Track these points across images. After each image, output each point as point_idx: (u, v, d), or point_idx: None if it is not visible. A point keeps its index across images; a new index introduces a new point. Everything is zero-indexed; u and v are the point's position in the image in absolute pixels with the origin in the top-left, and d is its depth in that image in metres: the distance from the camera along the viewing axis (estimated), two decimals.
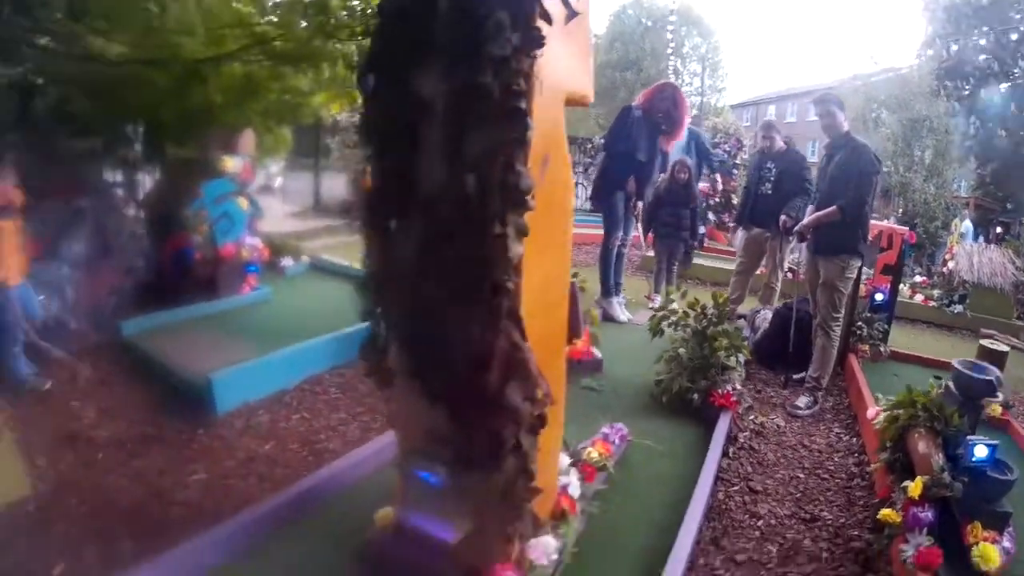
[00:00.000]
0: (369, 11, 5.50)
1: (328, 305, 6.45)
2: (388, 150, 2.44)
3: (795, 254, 7.42)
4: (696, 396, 4.65)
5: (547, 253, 2.55)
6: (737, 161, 13.20)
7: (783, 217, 6.38)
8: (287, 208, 10.87)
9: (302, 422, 4.42)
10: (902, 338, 7.72)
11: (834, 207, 5.11)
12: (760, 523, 3.58)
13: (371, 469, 3.69)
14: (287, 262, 7.90)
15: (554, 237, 2.65)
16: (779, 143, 6.98)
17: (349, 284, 6.59)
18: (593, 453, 3.60)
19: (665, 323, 5.06)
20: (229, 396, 4.47)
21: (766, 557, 3.28)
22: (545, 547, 2.79)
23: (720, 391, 4.61)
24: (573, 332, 3.99)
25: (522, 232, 2.24)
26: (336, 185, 13.74)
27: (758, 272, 7.55)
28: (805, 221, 5.54)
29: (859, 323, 6.54)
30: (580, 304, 4.78)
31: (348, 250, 8.88)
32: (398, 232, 2.43)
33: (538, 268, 2.43)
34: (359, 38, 5.63)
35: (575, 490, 3.20)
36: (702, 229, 11.12)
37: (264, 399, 4.67)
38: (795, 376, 5.86)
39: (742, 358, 5.15)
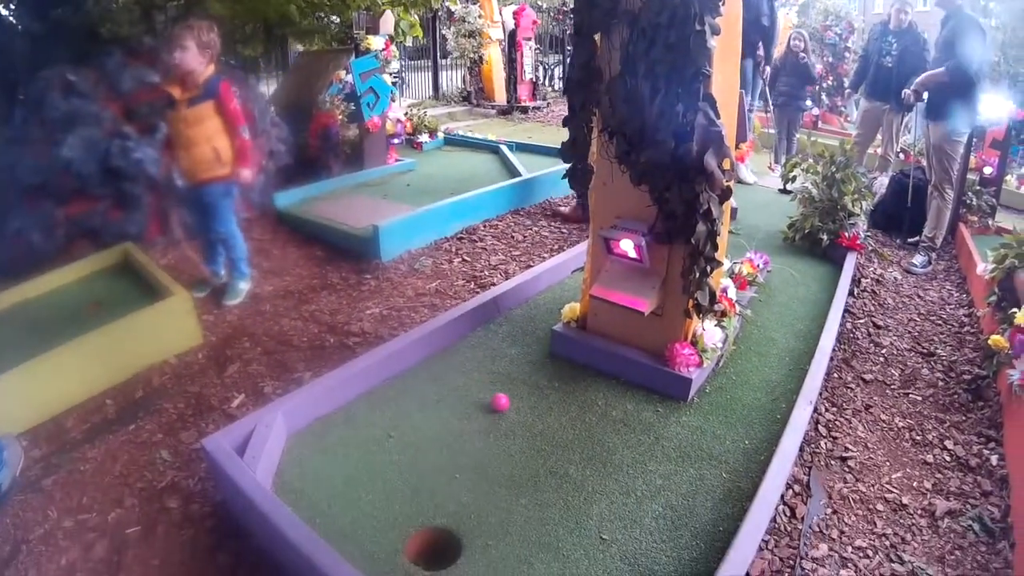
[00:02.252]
0: None
1: (470, 170, 6.74)
2: None
3: (908, 135, 7.31)
4: (825, 236, 4.87)
5: (724, 60, 2.77)
6: (848, 44, 12.81)
7: (906, 91, 6.31)
8: (407, 101, 11.12)
9: (464, 264, 4.68)
10: (1008, 223, 7.56)
11: (941, 68, 5.15)
12: (884, 351, 3.82)
13: (543, 287, 4.14)
14: (424, 138, 7.99)
15: (729, 46, 2.88)
16: (908, 18, 6.85)
17: (485, 154, 6.98)
18: (744, 269, 3.93)
19: (798, 169, 5.25)
20: (392, 245, 4.69)
21: (890, 379, 3.53)
22: (713, 334, 3.11)
23: (847, 234, 4.82)
24: (740, 136, 4.19)
25: (715, 31, 2.52)
26: (452, 77, 14.15)
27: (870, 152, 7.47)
28: (916, 81, 5.53)
29: (969, 194, 6.44)
30: (745, 112, 4.90)
31: (472, 132, 9.10)
32: (603, 40, 2.81)
33: (719, 71, 2.65)
34: None
35: (732, 293, 3.51)
36: (816, 111, 11.01)
37: (425, 247, 4.94)
38: (911, 240, 5.91)
39: (866, 206, 5.28)
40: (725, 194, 2.69)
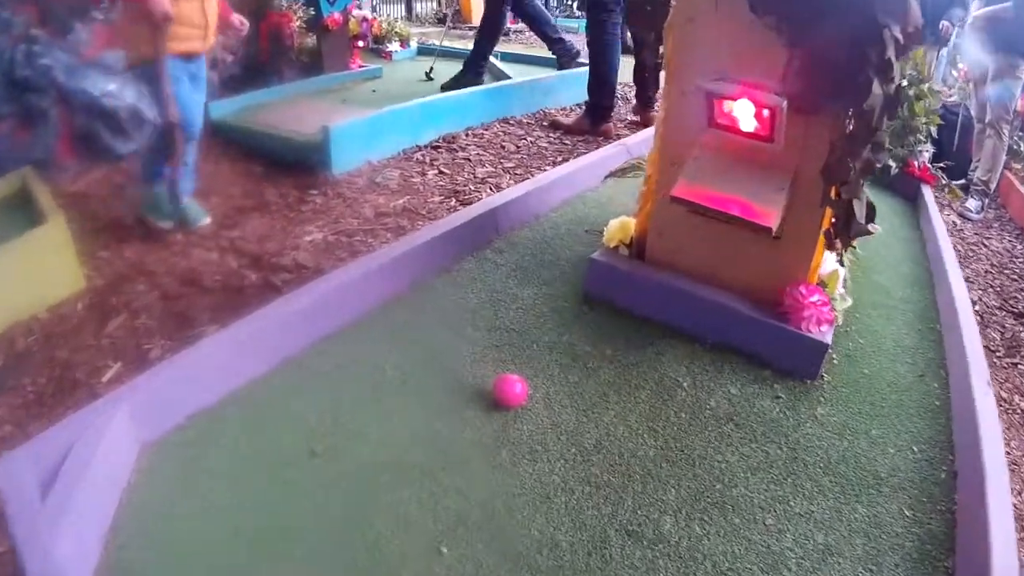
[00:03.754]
0: None
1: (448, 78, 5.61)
2: None
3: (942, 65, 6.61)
4: (894, 164, 3.99)
5: None
6: None
7: (944, 23, 5.51)
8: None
9: (441, 176, 3.64)
10: None
11: (1009, 2, 4.72)
12: (976, 308, 3.17)
13: (556, 201, 2.97)
14: (394, 47, 6.86)
15: None
16: None
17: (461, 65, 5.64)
18: None
19: None
20: (348, 154, 3.69)
21: (993, 344, 2.95)
22: (836, 276, 2.03)
23: (917, 162, 4.01)
24: None
25: None
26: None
27: None
28: (978, 13, 5.09)
29: (1015, 138, 5.68)
30: None
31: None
32: None
33: None
34: None
35: None
36: None
37: (391, 157, 3.89)
38: (956, 182, 5.23)
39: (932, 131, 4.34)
40: (914, 37, 1.54)
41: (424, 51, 7.07)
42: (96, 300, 2.65)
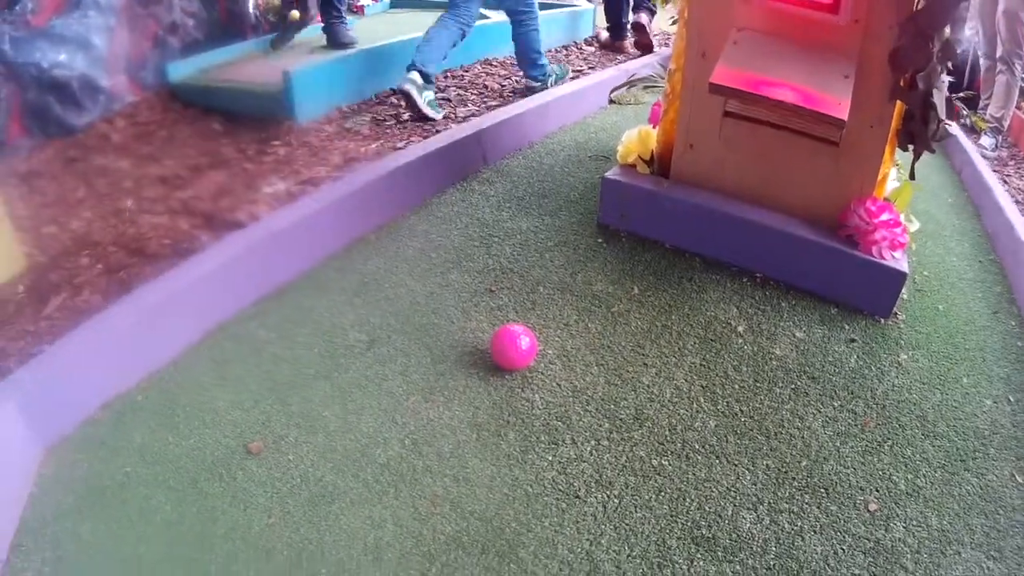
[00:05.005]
0: None
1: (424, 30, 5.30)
2: None
3: None
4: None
5: None
6: None
7: None
8: None
9: (415, 115, 3.23)
10: None
11: None
12: None
13: (553, 126, 2.68)
14: (366, 0, 6.38)
15: None
16: None
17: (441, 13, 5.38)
18: None
19: None
20: (313, 101, 3.35)
21: None
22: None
23: None
24: None
25: None
26: None
27: None
28: None
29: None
30: None
31: None
32: None
33: None
34: None
35: None
36: None
37: (361, 102, 3.53)
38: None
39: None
40: None
41: (397, 3, 6.68)
42: (39, 278, 2.27)
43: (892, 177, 1.76)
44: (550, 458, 1.09)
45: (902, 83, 1.33)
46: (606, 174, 1.73)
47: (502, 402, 1.21)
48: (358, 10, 6.16)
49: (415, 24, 5.17)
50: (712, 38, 1.47)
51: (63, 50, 3.02)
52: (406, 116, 3.31)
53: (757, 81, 1.33)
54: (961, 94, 4.09)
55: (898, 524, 1.02)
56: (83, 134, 3.19)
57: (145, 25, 4.26)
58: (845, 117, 1.26)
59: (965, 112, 4.39)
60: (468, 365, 1.29)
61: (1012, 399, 1.34)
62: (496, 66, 4.31)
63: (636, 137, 1.73)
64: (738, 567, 0.94)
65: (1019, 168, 4.35)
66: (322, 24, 4.00)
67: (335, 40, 3.86)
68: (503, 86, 3.83)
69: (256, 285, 1.50)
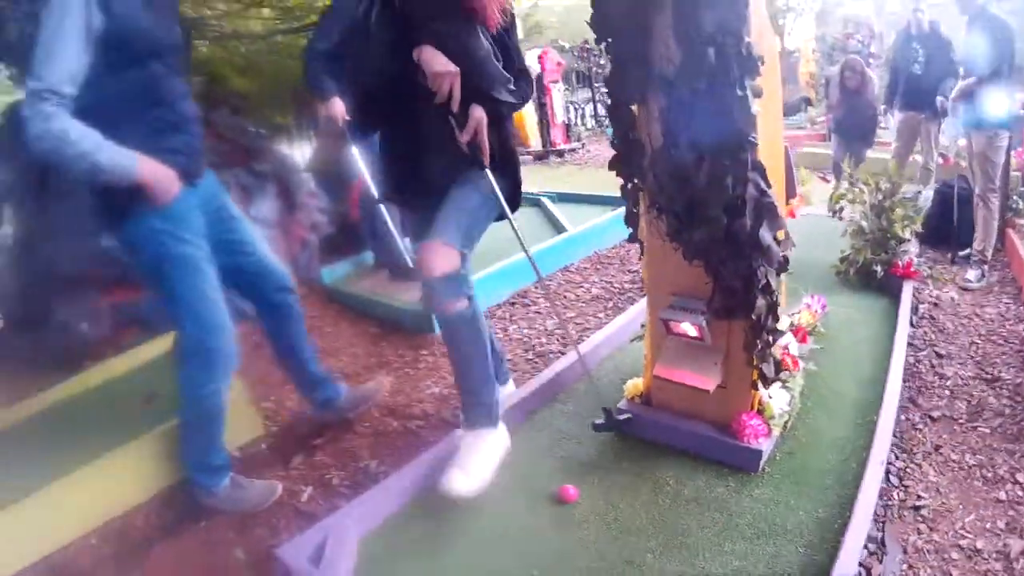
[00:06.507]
0: None
1: (519, 225, 6.82)
2: (622, 38, 2.85)
3: (945, 136, 7.49)
4: (879, 268, 4.99)
5: (766, 114, 2.86)
6: (872, 50, 12.95)
7: (939, 99, 6.47)
8: None
9: (519, 332, 4.76)
10: None
11: (973, 78, 5.35)
12: (948, 383, 3.91)
13: (601, 357, 4.22)
14: None
15: (769, 99, 2.96)
16: (926, 18, 7.02)
17: (527, 209, 6.85)
18: (803, 318, 3.99)
19: (844, 200, 5.41)
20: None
21: (957, 413, 3.60)
22: (779, 398, 3.20)
23: (900, 262, 4.95)
24: (789, 192, 4.30)
25: (757, 94, 2.61)
26: None
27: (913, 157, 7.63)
28: (952, 92, 5.78)
29: (1015, 197, 6.51)
30: (792, 164, 5.04)
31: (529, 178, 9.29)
32: (641, 110, 2.90)
33: (763, 129, 2.75)
34: None
35: (794, 349, 3.55)
36: None
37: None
38: (961, 253, 6.02)
39: (916, 229, 5.33)
40: (783, 266, 2.79)
41: None
42: (276, 442, 3.62)
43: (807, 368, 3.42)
44: (582, 536, 2.74)
45: (751, 360, 3.00)
46: (618, 405, 3.36)
47: (563, 515, 2.88)
48: None
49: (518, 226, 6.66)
50: (661, 339, 3.21)
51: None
52: (510, 329, 4.72)
53: (675, 372, 3.01)
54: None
55: (716, 563, 2.56)
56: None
57: (293, 229, 5.81)
58: (710, 389, 2.91)
59: (926, 272, 5.35)
60: (551, 501, 2.98)
61: (821, 511, 2.71)
62: (573, 272, 6.00)
63: (632, 386, 3.40)
64: (652, 573, 2.62)
65: (1001, 293, 5.20)
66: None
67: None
68: (578, 295, 5.36)
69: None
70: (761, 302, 2.76)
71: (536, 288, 5.47)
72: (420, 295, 3.87)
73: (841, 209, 5.51)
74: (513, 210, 3.03)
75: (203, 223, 2.86)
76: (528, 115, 13.00)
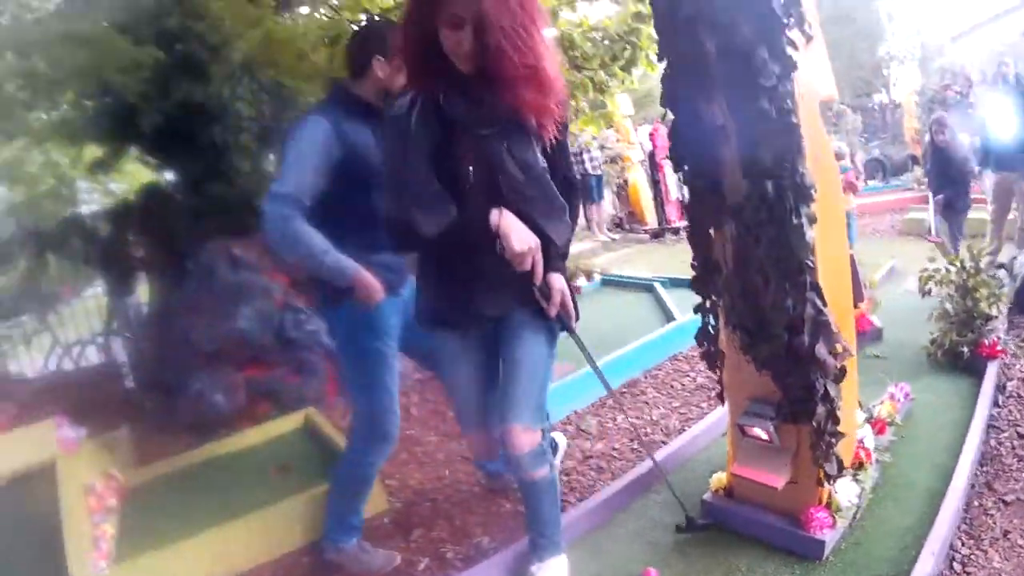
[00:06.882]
0: (608, 41, 6.33)
1: (629, 315, 7.37)
2: (699, 168, 3.31)
3: None
4: (965, 349, 5.11)
5: (828, 230, 3.09)
6: (971, 100, 12.73)
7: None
8: None
9: (626, 421, 4.99)
10: None
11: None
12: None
13: (699, 448, 4.58)
14: (581, 282, 8.68)
15: (831, 216, 3.21)
16: (1012, 71, 6.99)
17: (641, 294, 7.55)
18: (883, 410, 4.23)
19: (931, 282, 5.50)
20: (559, 407, 5.01)
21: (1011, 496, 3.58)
22: (847, 491, 3.49)
23: (987, 341, 5.07)
24: (856, 296, 4.61)
25: (812, 220, 2.97)
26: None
27: (1011, 217, 7.60)
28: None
29: None
30: (859, 273, 5.28)
31: (628, 263, 10.06)
32: (718, 236, 3.31)
33: (823, 243, 2.99)
34: (609, 66, 6.44)
35: (869, 442, 3.85)
36: None
37: (590, 405, 5.35)
38: None
39: (1003, 307, 5.51)
40: (839, 376, 3.13)
41: (607, 282, 8.82)
42: (398, 516, 3.95)
43: (879, 458, 3.73)
44: None
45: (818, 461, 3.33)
46: (703, 497, 3.74)
47: None
48: (576, 291, 8.00)
49: (623, 311, 7.47)
50: (738, 440, 3.59)
51: None
52: (619, 418, 4.98)
53: (750, 471, 3.39)
54: None
55: None
56: None
57: None
58: (779, 487, 3.29)
59: (1012, 349, 5.28)
60: None
61: None
62: (681, 360, 6.10)
63: (716, 480, 3.74)
64: None
65: None
66: None
67: None
68: (684, 384, 5.60)
69: None
70: (821, 410, 3.11)
71: (645, 377, 5.80)
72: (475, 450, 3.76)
73: (929, 290, 5.57)
74: (576, 318, 3.00)
75: (399, 324, 3.32)
76: (643, 192, 13.29)
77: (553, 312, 2.77)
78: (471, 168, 2.56)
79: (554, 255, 2.74)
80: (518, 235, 2.52)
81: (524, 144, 2.60)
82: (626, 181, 13.69)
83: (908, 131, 15.90)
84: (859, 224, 10.07)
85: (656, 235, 13.47)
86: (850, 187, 9.56)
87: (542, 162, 2.65)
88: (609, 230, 14.21)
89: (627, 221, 14.01)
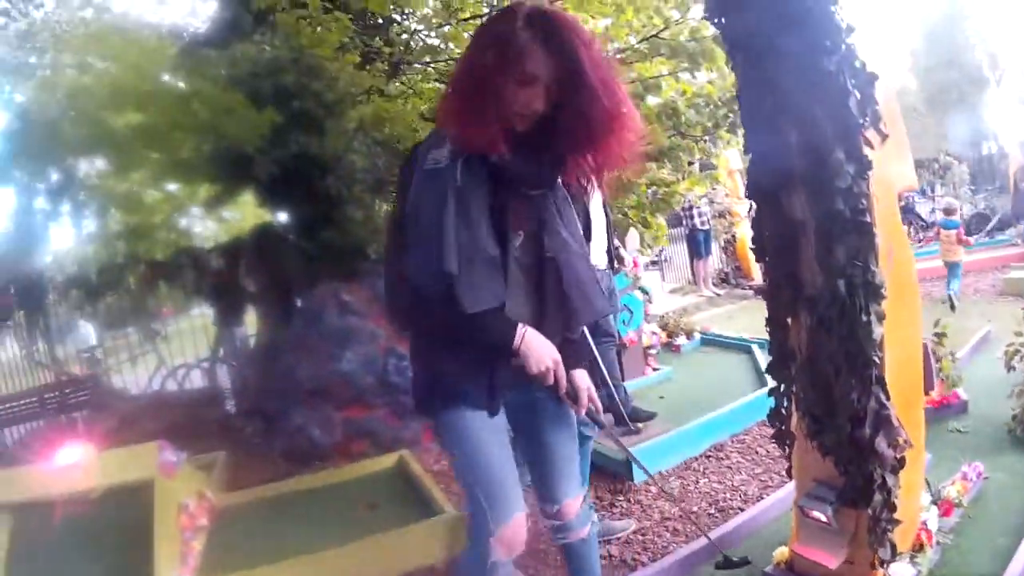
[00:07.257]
0: (711, 107, 6.69)
1: (724, 376, 7.53)
2: (778, 259, 3.59)
3: None
4: None
5: (899, 321, 3.25)
6: None
7: None
8: (667, 285, 12.27)
9: (707, 485, 5.14)
10: None
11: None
12: None
13: (771, 518, 4.75)
14: (682, 340, 8.95)
15: (906, 308, 3.38)
16: None
17: (739, 355, 7.73)
18: (952, 491, 4.32)
19: (1017, 357, 5.52)
20: (649, 464, 4.87)
21: None
22: (903, 574, 3.66)
23: None
24: (927, 385, 4.79)
25: (881, 317, 3.20)
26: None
27: None
28: None
29: None
30: (932, 360, 5.32)
31: (731, 320, 10.26)
32: (794, 324, 3.59)
33: (895, 335, 3.15)
34: (711, 132, 6.80)
35: (933, 524, 3.99)
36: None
37: (675, 467, 5.48)
38: None
39: None
40: (897, 467, 3.34)
41: (707, 341, 9.04)
42: None
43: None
44: None
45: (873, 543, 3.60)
46: (764, 569, 3.95)
47: None
48: (675, 349, 8.72)
49: (719, 372, 7.63)
50: (801, 518, 3.90)
51: None
52: (701, 482, 5.10)
53: (808, 550, 3.65)
54: None
55: None
56: None
57: None
58: (833, 567, 3.53)
59: None
60: None
61: None
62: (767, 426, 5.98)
63: (780, 553, 3.92)
64: None
65: None
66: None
67: (636, 416, 5.63)
68: (768, 451, 5.61)
69: None
70: (878, 498, 3.31)
71: (732, 441, 5.90)
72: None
73: (1014, 367, 5.52)
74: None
75: None
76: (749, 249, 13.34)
77: (583, 412, 2.73)
78: (521, 232, 2.46)
79: (581, 351, 2.80)
80: (536, 356, 2.38)
81: (567, 205, 2.61)
82: (734, 236, 13.69)
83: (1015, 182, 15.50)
84: (960, 284, 10.05)
85: (760, 291, 13.36)
86: (962, 241, 9.95)
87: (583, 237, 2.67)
88: (715, 284, 14.28)
89: (733, 276, 14.18)
